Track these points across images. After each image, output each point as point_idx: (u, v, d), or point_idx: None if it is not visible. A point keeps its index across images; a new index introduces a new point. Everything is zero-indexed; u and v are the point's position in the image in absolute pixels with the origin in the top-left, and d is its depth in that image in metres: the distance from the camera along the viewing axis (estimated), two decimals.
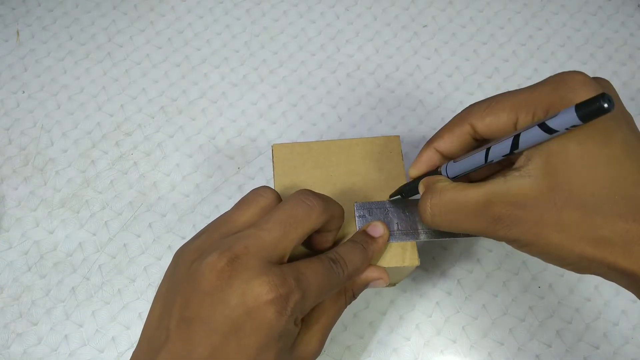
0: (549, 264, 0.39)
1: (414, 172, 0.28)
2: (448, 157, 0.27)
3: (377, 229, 0.29)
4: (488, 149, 0.24)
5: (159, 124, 0.45)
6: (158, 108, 0.46)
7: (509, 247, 0.40)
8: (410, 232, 0.30)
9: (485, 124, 0.25)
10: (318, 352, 0.27)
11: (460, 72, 0.47)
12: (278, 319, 0.23)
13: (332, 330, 0.38)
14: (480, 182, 0.24)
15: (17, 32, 0.49)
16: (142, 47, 0.48)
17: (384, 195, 0.31)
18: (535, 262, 0.40)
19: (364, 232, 0.29)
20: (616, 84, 0.46)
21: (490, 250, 0.40)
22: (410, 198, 0.30)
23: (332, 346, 0.38)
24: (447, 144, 0.27)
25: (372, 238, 0.29)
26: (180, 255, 0.26)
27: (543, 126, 0.21)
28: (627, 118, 0.24)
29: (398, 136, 0.33)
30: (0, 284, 0.40)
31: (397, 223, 0.30)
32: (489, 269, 0.40)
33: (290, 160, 0.32)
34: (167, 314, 0.24)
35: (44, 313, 0.39)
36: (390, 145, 0.32)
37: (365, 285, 0.29)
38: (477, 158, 0.25)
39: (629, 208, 0.21)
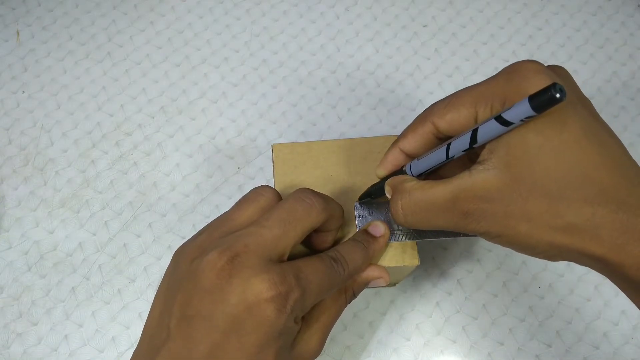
0: (549, 264, 0.39)
1: (381, 172, 0.29)
2: (413, 157, 0.28)
3: (378, 229, 0.29)
4: (449, 145, 0.24)
5: (159, 124, 0.45)
6: (158, 108, 0.46)
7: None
8: (410, 232, 0.30)
9: (447, 121, 0.25)
10: (318, 350, 0.27)
11: (460, 72, 0.47)
12: (278, 317, 0.23)
13: (332, 330, 0.38)
14: (448, 178, 0.24)
15: (17, 32, 0.49)
16: (142, 47, 0.48)
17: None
18: (535, 262, 0.40)
19: (365, 232, 0.29)
20: (616, 84, 0.46)
21: (490, 250, 0.40)
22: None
23: (332, 346, 0.38)
24: (411, 143, 0.27)
25: (373, 237, 0.29)
26: (180, 254, 0.26)
27: (499, 119, 0.21)
28: (585, 102, 0.24)
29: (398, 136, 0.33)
30: (0, 284, 0.40)
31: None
32: (489, 269, 0.40)
33: (290, 160, 0.32)
34: (167, 312, 0.24)
35: (44, 313, 0.39)
36: (390, 145, 0.32)
37: (366, 284, 0.29)
38: (438, 155, 0.25)
39: (592, 192, 0.21)
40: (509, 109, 0.21)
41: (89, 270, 0.40)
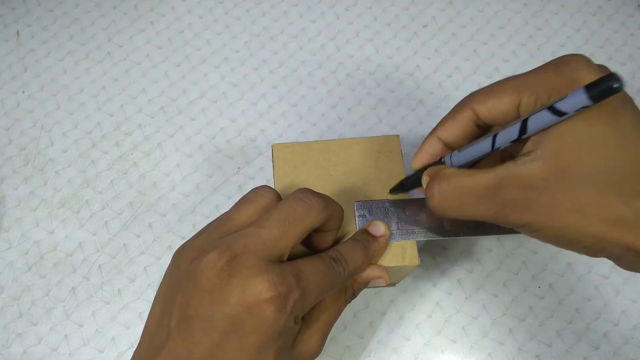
0: (548, 264, 0.39)
1: (417, 163, 0.28)
2: (451, 147, 0.27)
3: (379, 228, 0.29)
4: (495, 136, 0.24)
5: (159, 124, 0.45)
6: (158, 108, 0.46)
7: (509, 247, 0.40)
8: (410, 232, 0.30)
9: (488, 108, 0.25)
10: (319, 350, 0.27)
11: (460, 72, 0.47)
12: (278, 317, 0.23)
13: (332, 330, 0.38)
14: (488, 168, 0.24)
15: (17, 32, 0.49)
16: (142, 47, 0.48)
17: (383, 195, 0.31)
18: (535, 262, 0.40)
19: (365, 231, 0.29)
20: None
21: (490, 250, 0.40)
22: (410, 198, 0.30)
23: (332, 346, 0.38)
24: (450, 132, 0.26)
25: (373, 237, 0.29)
26: (180, 254, 0.26)
27: (552, 109, 0.21)
28: (631, 100, 0.23)
29: (398, 136, 0.33)
30: (0, 284, 0.40)
31: (397, 222, 0.30)
32: (489, 269, 0.40)
33: (290, 160, 0.32)
34: (167, 312, 0.24)
35: (44, 313, 0.39)
36: (390, 145, 0.32)
37: (366, 283, 0.29)
38: (483, 146, 0.24)
39: None
40: (564, 98, 0.21)
41: (89, 270, 0.40)
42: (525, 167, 0.22)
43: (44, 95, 0.46)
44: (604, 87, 0.19)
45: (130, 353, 0.37)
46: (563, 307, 0.38)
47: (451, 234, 0.29)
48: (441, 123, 0.27)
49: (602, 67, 0.23)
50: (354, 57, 0.48)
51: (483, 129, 0.26)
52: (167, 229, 0.41)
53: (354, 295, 0.29)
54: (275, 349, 0.24)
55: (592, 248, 0.22)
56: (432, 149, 0.27)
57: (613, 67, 0.47)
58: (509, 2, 0.50)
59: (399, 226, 0.30)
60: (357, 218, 0.30)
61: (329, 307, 0.28)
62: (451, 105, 0.46)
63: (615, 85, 0.19)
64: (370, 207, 0.31)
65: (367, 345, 0.38)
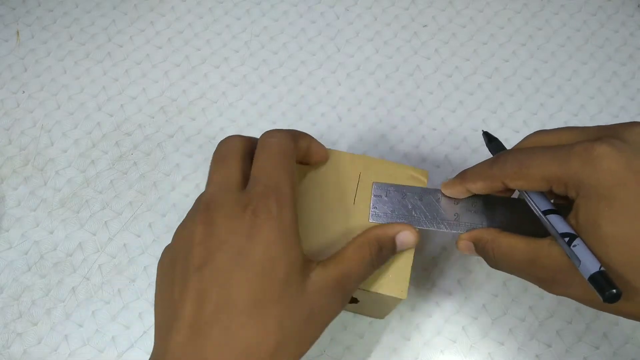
0: None
1: (446, 193, 0.30)
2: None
3: (408, 240, 0.29)
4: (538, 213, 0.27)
5: (159, 124, 0.45)
6: (158, 108, 0.46)
7: None
8: (425, 222, 0.30)
9: (518, 186, 0.26)
10: (336, 304, 0.26)
11: (460, 72, 0.47)
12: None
13: (332, 330, 0.38)
14: (530, 237, 0.26)
15: (17, 32, 0.49)
16: (142, 47, 0.48)
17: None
18: None
19: (388, 236, 0.28)
20: (616, 84, 0.46)
21: None
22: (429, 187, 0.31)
23: (332, 346, 0.38)
24: (480, 189, 0.28)
25: (393, 248, 0.28)
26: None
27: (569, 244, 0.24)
28: None
29: (427, 171, 0.32)
30: (0, 284, 0.40)
31: (412, 209, 0.30)
32: (489, 269, 0.40)
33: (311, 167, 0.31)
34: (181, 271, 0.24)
35: (44, 313, 0.39)
36: (416, 178, 0.31)
37: (391, 239, 0.28)
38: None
39: None
40: (579, 260, 0.23)
41: (89, 270, 0.40)
42: (555, 250, 0.24)
43: (44, 95, 0.46)
44: (604, 293, 0.22)
45: (131, 353, 0.38)
46: (563, 307, 0.38)
47: (463, 230, 0.30)
48: (472, 180, 0.28)
49: (633, 149, 0.23)
50: (354, 57, 0.48)
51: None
52: (167, 229, 0.41)
53: (381, 252, 0.27)
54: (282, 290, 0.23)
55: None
56: (460, 194, 0.30)
57: (613, 67, 0.47)
58: (509, 2, 0.50)
59: (414, 213, 0.30)
60: (373, 197, 0.30)
61: (350, 258, 0.26)
62: (451, 105, 0.46)
63: (610, 295, 0.21)
64: (388, 189, 0.31)
65: (367, 345, 0.38)
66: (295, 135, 0.28)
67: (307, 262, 0.25)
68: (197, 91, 0.47)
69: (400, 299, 0.29)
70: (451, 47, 0.48)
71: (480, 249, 0.28)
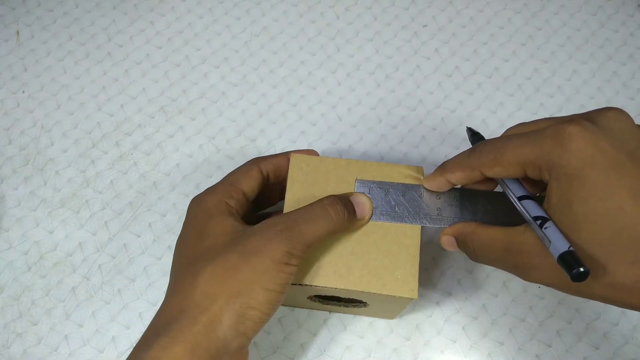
0: None
1: (427, 186, 0.31)
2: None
3: (364, 208, 0.30)
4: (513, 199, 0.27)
5: (159, 124, 0.45)
6: (158, 108, 0.46)
7: None
8: (408, 217, 0.30)
9: (495, 173, 0.27)
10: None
11: (460, 72, 0.47)
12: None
13: (332, 330, 0.38)
14: (504, 226, 0.27)
15: (17, 32, 0.49)
16: (142, 47, 0.48)
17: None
18: None
19: (346, 200, 0.29)
20: (616, 84, 0.46)
21: None
22: (412, 184, 0.31)
23: (331, 346, 0.38)
24: (459, 180, 0.29)
25: (351, 213, 0.29)
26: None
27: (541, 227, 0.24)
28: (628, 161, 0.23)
29: (422, 167, 0.32)
30: (0, 284, 0.40)
31: (395, 205, 0.30)
32: (488, 269, 0.40)
33: (306, 174, 0.31)
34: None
35: (44, 313, 0.39)
36: (412, 174, 0.31)
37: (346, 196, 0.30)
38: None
39: (638, 254, 0.22)
40: (550, 241, 0.23)
41: (89, 270, 0.40)
42: (529, 236, 0.25)
43: (44, 95, 0.46)
44: (571, 274, 0.22)
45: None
46: (563, 307, 0.38)
47: (445, 224, 0.30)
48: (451, 169, 0.29)
49: (605, 120, 0.24)
50: (354, 57, 0.48)
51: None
52: (167, 229, 0.41)
53: (337, 204, 0.29)
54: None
55: (600, 301, 0.24)
56: (442, 185, 0.30)
57: (613, 67, 0.47)
58: (509, 2, 0.50)
59: (397, 209, 0.30)
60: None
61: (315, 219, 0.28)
62: (451, 105, 0.46)
63: (577, 273, 0.21)
64: (371, 186, 0.31)
65: (367, 345, 0.38)
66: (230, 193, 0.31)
67: None
68: (197, 91, 0.46)
69: (411, 299, 0.29)
70: (451, 47, 0.48)
71: (461, 243, 0.29)
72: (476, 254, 0.28)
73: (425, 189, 0.31)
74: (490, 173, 0.27)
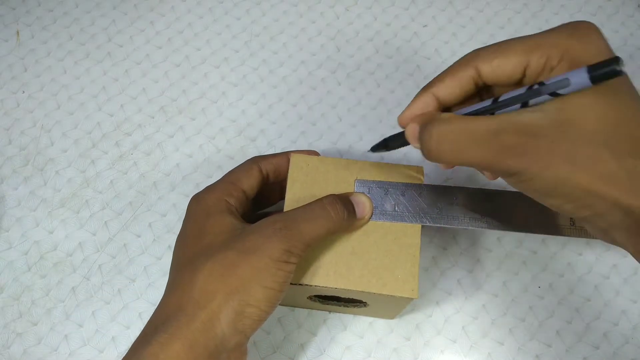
0: (548, 264, 0.39)
1: (406, 119, 0.27)
2: (445, 105, 0.26)
3: (364, 208, 0.30)
4: (493, 112, 0.24)
5: (159, 124, 0.45)
6: (158, 108, 0.46)
7: (509, 247, 0.40)
8: (408, 217, 0.30)
9: (493, 68, 0.24)
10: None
11: None
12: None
13: (332, 331, 0.38)
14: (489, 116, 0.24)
15: (17, 32, 0.49)
16: (142, 47, 0.48)
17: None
18: (535, 262, 0.40)
19: (346, 200, 0.29)
20: None
21: (490, 250, 0.40)
22: (410, 183, 0.30)
23: (331, 346, 0.38)
24: (449, 90, 0.26)
25: (351, 213, 0.29)
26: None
27: (553, 94, 0.22)
28: (628, 77, 0.24)
29: (422, 167, 0.32)
30: (0, 284, 0.40)
31: (394, 204, 0.30)
32: (489, 269, 0.40)
33: (306, 173, 0.31)
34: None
35: (44, 313, 0.39)
36: (412, 174, 0.31)
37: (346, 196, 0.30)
38: (482, 111, 0.24)
39: (636, 147, 0.22)
40: (567, 87, 0.21)
41: (89, 270, 0.40)
42: (527, 116, 0.23)
43: (44, 95, 0.46)
44: (608, 69, 0.20)
45: None
46: (563, 307, 0.38)
47: (446, 222, 0.30)
48: (439, 79, 0.26)
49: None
50: (354, 57, 0.48)
51: (481, 89, 0.26)
52: (167, 229, 0.41)
53: (337, 203, 0.29)
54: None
55: (579, 203, 0.23)
56: (426, 106, 0.26)
57: None
58: (509, 2, 0.50)
59: (397, 208, 0.30)
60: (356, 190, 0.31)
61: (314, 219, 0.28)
62: None
63: (617, 69, 0.19)
64: (371, 186, 0.31)
65: (367, 345, 0.38)
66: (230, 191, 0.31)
67: None
68: (197, 91, 0.46)
69: (411, 299, 0.29)
70: (451, 47, 0.48)
71: (423, 129, 0.25)
72: (441, 142, 0.24)
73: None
74: (487, 68, 0.24)
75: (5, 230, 0.41)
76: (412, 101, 0.27)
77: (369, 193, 0.30)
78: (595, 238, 0.28)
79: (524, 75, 0.24)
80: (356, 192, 0.31)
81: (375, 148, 0.31)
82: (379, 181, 0.31)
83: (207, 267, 0.26)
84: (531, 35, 0.24)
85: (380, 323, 0.38)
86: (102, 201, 0.42)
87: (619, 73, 0.20)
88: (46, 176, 0.43)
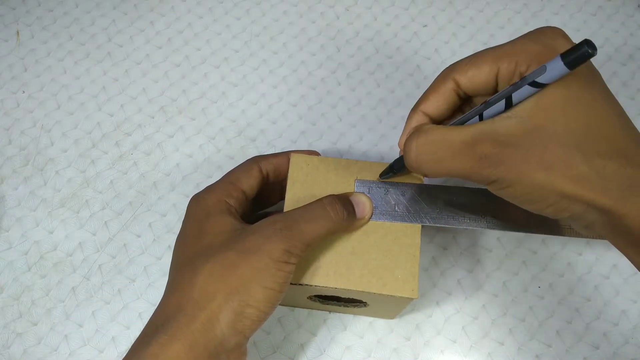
0: (548, 264, 0.39)
1: (404, 140, 0.28)
2: (436, 120, 0.28)
3: (364, 208, 0.30)
4: (481, 115, 0.25)
5: (159, 124, 0.45)
6: (158, 108, 0.46)
7: (509, 247, 0.40)
8: (408, 217, 0.30)
9: (468, 78, 0.26)
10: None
11: None
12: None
13: (332, 331, 0.38)
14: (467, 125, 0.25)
15: (17, 32, 0.49)
16: (142, 47, 0.48)
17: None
18: (535, 262, 0.40)
19: (347, 200, 0.29)
20: (616, 84, 0.46)
21: (490, 251, 0.40)
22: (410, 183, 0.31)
23: (331, 346, 0.38)
24: (435, 105, 0.27)
25: (351, 213, 0.29)
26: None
27: (533, 83, 0.22)
28: (599, 73, 0.25)
29: None
30: (0, 284, 0.40)
31: (395, 205, 0.30)
32: (489, 269, 0.40)
33: (306, 173, 0.31)
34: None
35: (44, 313, 0.39)
36: (412, 174, 0.31)
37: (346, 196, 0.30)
38: (471, 121, 0.25)
39: (606, 147, 0.22)
40: (543, 72, 0.22)
41: (89, 270, 0.40)
42: (502, 124, 0.23)
43: (44, 95, 0.46)
44: (580, 52, 0.20)
45: None
46: (563, 307, 0.38)
47: (449, 222, 0.30)
48: (424, 97, 0.28)
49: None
50: (354, 57, 0.48)
51: (464, 99, 0.27)
52: (167, 229, 0.41)
53: (337, 203, 0.29)
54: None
55: (557, 206, 0.23)
56: (418, 124, 0.28)
57: (613, 67, 0.47)
58: (509, 2, 0.50)
59: (397, 208, 0.30)
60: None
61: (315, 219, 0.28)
62: None
63: (589, 51, 0.20)
64: (370, 186, 0.31)
65: (367, 345, 0.38)
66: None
67: None
68: (197, 91, 0.46)
69: (411, 299, 0.29)
70: (451, 47, 0.48)
71: (407, 141, 0.26)
72: (419, 153, 0.25)
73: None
74: (464, 79, 0.26)
75: (5, 230, 0.41)
76: (405, 123, 0.29)
77: (369, 193, 0.30)
78: (595, 238, 0.28)
79: (496, 82, 0.25)
80: (356, 192, 0.31)
81: (383, 174, 0.31)
82: (379, 181, 0.31)
83: (207, 267, 0.26)
84: (502, 44, 0.25)
85: (380, 323, 0.38)
86: (102, 201, 0.42)
87: (590, 55, 0.20)
88: (46, 176, 0.43)
